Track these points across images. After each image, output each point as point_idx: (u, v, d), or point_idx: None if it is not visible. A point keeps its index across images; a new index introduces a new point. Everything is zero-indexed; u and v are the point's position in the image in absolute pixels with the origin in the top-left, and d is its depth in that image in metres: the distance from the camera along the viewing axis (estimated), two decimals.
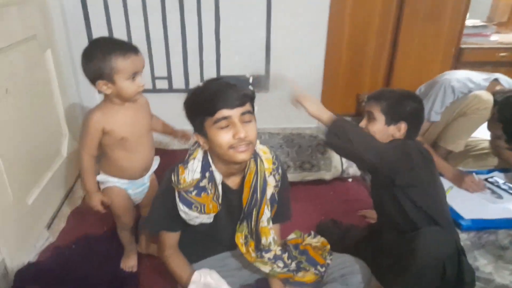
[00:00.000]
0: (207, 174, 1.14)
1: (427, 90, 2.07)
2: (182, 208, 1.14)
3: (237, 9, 2.20)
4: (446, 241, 1.14)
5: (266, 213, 1.21)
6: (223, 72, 2.34)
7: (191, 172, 1.13)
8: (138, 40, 2.20)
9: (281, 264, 1.23)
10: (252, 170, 1.18)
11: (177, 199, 1.15)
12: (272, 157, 1.24)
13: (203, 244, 1.30)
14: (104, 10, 2.13)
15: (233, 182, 1.21)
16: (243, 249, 1.22)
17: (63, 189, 1.95)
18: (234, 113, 1.04)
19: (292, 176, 2.14)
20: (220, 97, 1.04)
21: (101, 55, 1.16)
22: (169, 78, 2.34)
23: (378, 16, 2.44)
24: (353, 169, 2.20)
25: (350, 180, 2.22)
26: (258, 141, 1.21)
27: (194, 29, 2.22)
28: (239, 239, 1.22)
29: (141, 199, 1.50)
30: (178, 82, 2.35)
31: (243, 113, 1.05)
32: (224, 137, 1.05)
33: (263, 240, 1.21)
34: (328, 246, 1.32)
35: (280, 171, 1.26)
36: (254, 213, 1.20)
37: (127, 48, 1.19)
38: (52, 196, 1.84)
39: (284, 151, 2.25)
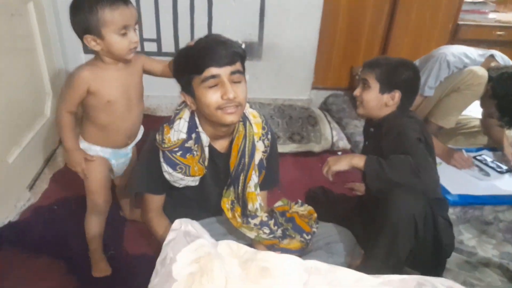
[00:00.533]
0: (193, 136, 1.10)
1: (422, 64, 2.04)
2: (166, 169, 1.10)
3: None
4: (416, 198, 1.13)
5: (254, 178, 1.18)
6: None
7: (177, 132, 1.09)
8: None
9: (267, 231, 1.22)
10: (241, 134, 1.15)
11: (161, 159, 1.10)
12: (262, 122, 1.20)
13: (189, 209, 1.26)
14: None
15: (220, 145, 1.18)
16: (229, 214, 1.19)
17: (45, 150, 1.89)
18: (223, 71, 0.99)
19: (281, 147, 2.12)
20: (208, 54, 0.98)
21: (87, 6, 1.05)
22: (158, 40, 2.25)
23: None
24: (343, 142, 2.19)
25: (339, 153, 2.20)
26: (248, 105, 1.17)
27: None
28: (225, 204, 1.20)
29: (122, 171, 1.39)
30: (168, 45, 2.26)
31: (232, 72, 1.00)
32: (212, 97, 1.01)
33: (250, 206, 1.20)
34: (315, 215, 1.31)
35: (269, 136, 1.22)
36: (241, 178, 1.17)
37: None
38: (34, 157, 1.78)
39: (274, 121, 2.21)
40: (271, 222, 1.24)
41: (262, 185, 1.26)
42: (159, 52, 2.27)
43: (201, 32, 2.23)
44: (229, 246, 0.63)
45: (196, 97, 1.04)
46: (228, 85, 0.99)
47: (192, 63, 1.01)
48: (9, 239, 1.45)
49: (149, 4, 2.13)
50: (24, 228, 1.49)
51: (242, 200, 1.20)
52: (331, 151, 2.19)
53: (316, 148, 2.15)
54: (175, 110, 1.15)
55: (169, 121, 1.12)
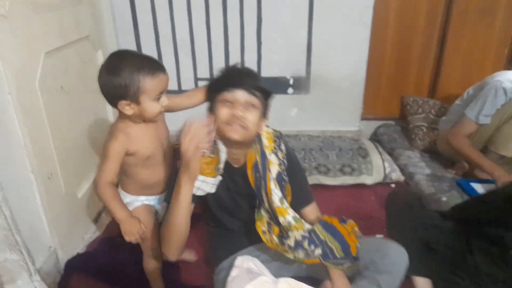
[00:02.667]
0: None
1: (476, 92, 1.98)
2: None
3: (279, 9, 2.19)
4: None
5: (276, 192, 1.20)
6: (263, 73, 2.35)
7: None
8: (183, 40, 2.26)
9: (302, 253, 1.18)
10: (254, 152, 1.22)
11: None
12: (273, 136, 1.28)
13: (230, 239, 1.31)
14: (151, 11, 2.20)
15: (238, 163, 1.23)
16: (264, 238, 1.21)
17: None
18: (240, 95, 1.11)
19: (332, 180, 2.11)
20: (235, 79, 1.13)
21: (128, 73, 1.04)
22: (211, 79, 2.36)
23: (425, 13, 2.35)
24: (396, 174, 2.14)
25: (393, 185, 2.15)
26: (264, 125, 1.25)
27: (236, 29, 2.24)
28: (260, 227, 1.22)
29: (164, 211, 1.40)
30: None
31: (247, 102, 1.12)
32: (223, 111, 1.12)
33: (281, 220, 1.19)
34: (356, 228, 1.27)
35: (282, 147, 1.28)
36: (263, 194, 1.20)
37: (156, 66, 1.10)
38: None
39: (324, 153, 2.22)
40: (305, 242, 1.19)
41: (297, 204, 1.29)
42: None
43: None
44: (288, 284, 0.64)
45: (215, 111, 1.15)
46: (239, 105, 1.11)
47: (220, 83, 1.16)
48: (77, 269, 1.54)
49: (203, 45, 2.27)
50: (91, 259, 1.58)
51: (274, 216, 1.21)
52: (384, 183, 2.14)
53: (368, 180, 2.11)
54: None
55: None
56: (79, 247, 1.65)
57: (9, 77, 1.23)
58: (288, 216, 1.19)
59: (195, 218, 1.42)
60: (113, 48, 2.09)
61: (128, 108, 1.09)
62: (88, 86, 1.81)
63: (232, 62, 2.29)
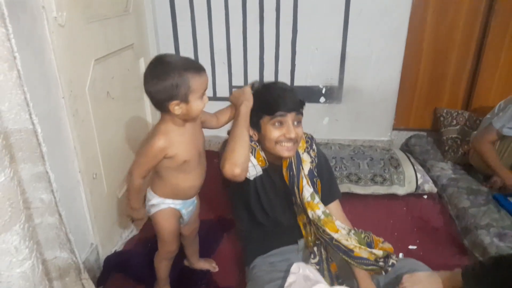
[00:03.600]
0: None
1: (507, 104, 1.98)
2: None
3: (314, 21, 2.23)
4: None
5: (307, 188, 1.30)
6: (296, 82, 2.39)
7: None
8: (220, 50, 2.33)
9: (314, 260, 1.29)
10: None
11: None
12: (306, 137, 1.38)
13: (261, 238, 1.41)
14: (190, 22, 2.28)
15: (276, 161, 1.34)
16: (304, 230, 1.36)
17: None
18: (289, 115, 1.22)
19: (363, 189, 2.11)
20: (280, 101, 1.22)
21: (177, 74, 1.07)
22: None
23: (462, 26, 2.33)
24: (429, 186, 2.12)
25: (425, 197, 2.13)
26: None
27: (271, 39, 2.29)
28: (301, 221, 1.37)
29: (190, 218, 1.42)
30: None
31: (296, 116, 1.24)
32: (275, 133, 1.24)
33: (310, 214, 1.30)
34: (392, 250, 1.30)
35: (314, 147, 1.39)
36: (295, 190, 1.31)
37: (199, 65, 1.14)
38: None
39: (355, 163, 2.22)
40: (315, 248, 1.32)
41: (325, 199, 1.36)
42: None
43: (284, 78, 2.38)
44: None
45: (261, 132, 1.27)
46: (291, 127, 1.23)
47: (265, 106, 1.24)
48: (115, 265, 1.61)
49: (238, 55, 2.34)
50: (128, 257, 1.64)
51: (304, 211, 1.32)
52: (416, 194, 2.12)
53: (400, 191, 2.10)
54: None
55: None
56: (117, 245, 1.73)
57: (63, 83, 1.32)
58: (318, 210, 1.29)
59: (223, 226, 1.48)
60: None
61: (178, 108, 1.12)
62: (130, 92, 1.90)
63: (267, 71, 2.36)
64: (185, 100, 1.11)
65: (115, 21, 1.70)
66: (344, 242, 1.25)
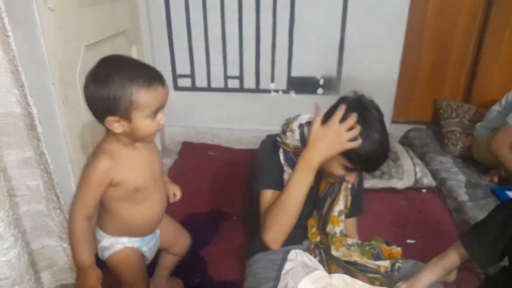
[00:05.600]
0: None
1: None
2: (286, 169, 1.17)
3: (312, 9, 2.18)
4: None
5: (340, 204, 1.22)
6: (293, 73, 2.34)
7: (291, 138, 1.19)
8: (214, 38, 2.27)
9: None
10: None
11: (282, 160, 1.18)
12: None
13: None
14: (184, 8, 2.22)
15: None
16: (310, 232, 1.26)
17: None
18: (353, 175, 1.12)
19: None
20: (367, 163, 1.07)
21: (118, 84, 0.85)
22: (240, 77, 2.38)
23: (463, 15, 2.29)
24: (427, 179, 2.09)
25: (424, 190, 2.10)
26: None
27: (268, 28, 2.24)
28: (311, 224, 1.26)
29: (154, 253, 1.22)
30: (249, 81, 2.38)
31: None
32: (338, 171, 1.10)
33: (329, 228, 1.21)
34: (400, 254, 1.23)
35: None
36: (328, 201, 1.22)
37: (153, 77, 0.90)
38: None
39: None
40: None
41: (348, 213, 1.27)
42: (241, 89, 2.39)
43: (281, 68, 2.33)
44: (343, 280, 0.63)
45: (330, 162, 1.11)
46: (355, 176, 1.12)
47: (354, 154, 1.05)
48: None
49: (234, 43, 2.28)
50: None
51: (323, 223, 1.23)
52: (415, 188, 2.09)
53: (399, 184, 2.07)
54: (282, 126, 1.25)
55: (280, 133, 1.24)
56: None
57: (53, 68, 1.26)
58: (337, 227, 1.21)
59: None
60: (146, 44, 2.12)
61: (117, 125, 0.90)
62: None
63: (263, 61, 2.31)
64: (126, 117, 0.89)
65: (107, 6, 1.64)
66: (343, 258, 1.18)
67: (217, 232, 1.74)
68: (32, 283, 0.96)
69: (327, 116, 1.07)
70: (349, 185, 1.24)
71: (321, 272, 0.63)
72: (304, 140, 1.17)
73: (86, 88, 0.89)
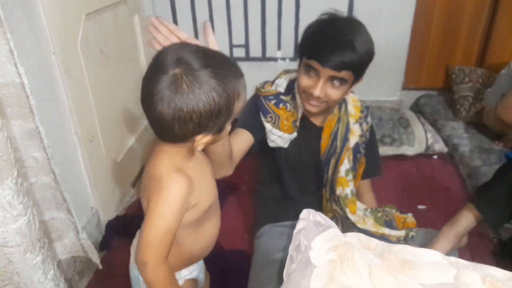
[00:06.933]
0: (290, 95, 1.14)
1: None
2: (261, 117, 1.13)
3: None
4: None
5: (346, 163, 1.16)
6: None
7: (276, 85, 1.16)
8: (218, 6, 2.20)
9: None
10: (335, 116, 1.15)
11: (258, 106, 1.14)
12: (361, 105, 1.21)
13: (278, 208, 1.28)
14: None
15: (316, 120, 1.19)
16: (324, 206, 1.22)
17: (144, 151, 2.04)
18: (323, 71, 0.99)
19: None
20: (320, 49, 0.98)
21: (225, 95, 0.67)
22: (246, 46, 2.31)
23: None
24: (439, 145, 2.05)
25: (435, 157, 2.07)
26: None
27: None
28: (324, 195, 1.21)
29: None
30: (255, 50, 2.32)
31: (332, 77, 0.99)
32: (303, 80, 1.04)
33: (339, 191, 1.16)
34: (414, 227, 1.22)
35: (369, 120, 1.21)
36: (332, 162, 1.16)
37: (242, 73, 0.74)
38: (137, 157, 1.93)
39: None
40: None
41: (363, 174, 1.24)
42: (247, 57, 2.33)
43: (288, 35, 2.25)
44: (358, 238, 0.61)
45: (298, 72, 1.07)
46: (320, 84, 1.00)
47: (304, 45, 1.04)
48: (117, 230, 1.58)
49: (239, 10, 2.21)
50: (130, 221, 1.61)
51: (330, 185, 1.18)
52: (426, 154, 2.06)
53: (410, 151, 2.04)
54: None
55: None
56: (119, 210, 1.69)
57: (53, 38, 1.22)
58: (347, 188, 1.16)
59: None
60: (150, 13, 2.06)
61: (203, 142, 0.73)
62: (125, 51, 1.80)
63: (269, 28, 2.24)
64: (219, 130, 0.72)
65: None
66: (358, 225, 1.15)
67: (226, 202, 1.73)
68: (45, 251, 0.96)
69: None
70: (351, 144, 1.18)
71: (335, 230, 0.61)
72: (290, 88, 1.14)
73: (175, 98, 0.65)
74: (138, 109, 1.92)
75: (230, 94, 0.67)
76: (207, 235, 0.89)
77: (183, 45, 0.70)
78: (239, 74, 0.71)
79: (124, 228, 1.58)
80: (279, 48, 2.30)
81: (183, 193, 0.73)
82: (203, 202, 0.81)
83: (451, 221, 1.14)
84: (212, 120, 0.68)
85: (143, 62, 1.98)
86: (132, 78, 1.88)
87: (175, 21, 2.26)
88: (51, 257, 1.00)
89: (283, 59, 2.33)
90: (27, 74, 1.09)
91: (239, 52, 2.32)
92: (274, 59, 2.33)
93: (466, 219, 1.12)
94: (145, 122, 2.00)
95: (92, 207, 1.52)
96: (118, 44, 1.71)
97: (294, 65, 2.28)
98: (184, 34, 0.81)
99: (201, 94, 0.64)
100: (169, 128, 0.67)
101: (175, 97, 0.64)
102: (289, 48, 2.30)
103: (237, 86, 0.69)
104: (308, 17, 2.16)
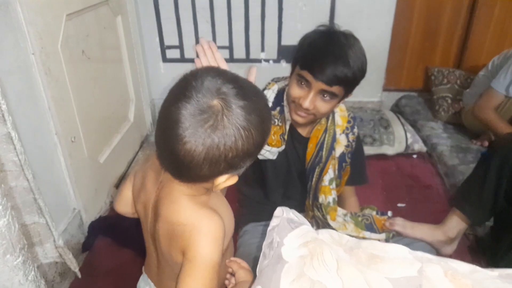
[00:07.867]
0: (278, 108, 1.13)
1: (503, 62, 1.90)
2: None
3: None
4: None
5: (330, 172, 1.18)
6: (284, 41, 2.29)
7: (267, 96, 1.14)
8: (202, 8, 2.20)
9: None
10: (322, 126, 1.16)
11: None
12: (348, 115, 1.21)
13: (262, 208, 1.27)
14: None
15: (302, 130, 1.20)
16: (307, 210, 1.23)
17: (130, 152, 2.04)
18: (315, 84, 0.99)
19: None
20: (315, 62, 0.98)
21: (266, 131, 0.63)
22: (230, 47, 2.33)
23: None
24: (418, 145, 2.10)
25: (414, 156, 2.12)
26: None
27: None
28: (308, 201, 1.23)
29: None
30: (239, 52, 2.33)
31: (323, 91, 0.99)
32: (294, 90, 1.04)
33: (321, 199, 1.18)
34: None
35: (355, 130, 1.22)
36: (317, 170, 1.18)
37: None
38: (121, 158, 1.93)
39: None
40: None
41: (350, 181, 1.26)
42: (231, 59, 2.35)
43: (271, 37, 2.28)
44: (330, 235, 0.63)
45: (290, 81, 1.08)
46: (309, 96, 1.01)
47: (299, 55, 1.03)
48: (100, 231, 1.58)
49: (222, 12, 2.22)
50: (114, 222, 1.61)
51: (313, 193, 1.20)
52: (406, 154, 2.11)
53: (390, 151, 2.08)
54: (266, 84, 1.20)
55: None
56: (102, 211, 1.68)
57: (33, 38, 1.22)
58: (330, 196, 1.18)
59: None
60: (132, 14, 2.05)
61: (226, 183, 0.65)
62: (108, 52, 1.80)
63: (252, 30, 2.25)
64: (241, 169, 0.65)
65: None
66: (339, 231, 1.16)
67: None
68: (25, 253, 0.96)
69: None
70: (337, 154, 1.20)
71: (307, 227, 0.63)
72: (278, 100, 1.14)
73: (202, 140, 0.56)
74: (121, 109, 1.94)
75: (266, 130, 0.61)
76: (221, 271, 0.76)
77: (218, 72, 0.61)
78: (269, 107, 0.65)
79: (107, 228, 1.58)
80: (262, 50, 2.32)
81: (221, 232, 0.65)
82: (228, 236, 0.72)
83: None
84: (244, 160, 0.61)
85: (126, 61, 1.98)
86: (115, 79, 1.88)
87: (158, 22, 2.26)
88: (32, 259, 1.00)
89: (267, 60, 2.36)
90: (4, 74, 1.08)
91: (223, 54, 2.30)
92: (258, 61, 2.35)
93: (452, 221, 1.16)
94: (129, 123, 2.00)
95: (74, 208, 1.51)
96: (100, 45, 1.70)
97: (278, 67, 2.34)
98: (225, 65, 0.81)
99: (241, 130, 0.56)
100: (197, 168, 0.58)
101: (214, 133, 0.55)
102: (272, 50, 2.32)
103: (270, 122, 0.64)
104: (291, 20, 2.22)
